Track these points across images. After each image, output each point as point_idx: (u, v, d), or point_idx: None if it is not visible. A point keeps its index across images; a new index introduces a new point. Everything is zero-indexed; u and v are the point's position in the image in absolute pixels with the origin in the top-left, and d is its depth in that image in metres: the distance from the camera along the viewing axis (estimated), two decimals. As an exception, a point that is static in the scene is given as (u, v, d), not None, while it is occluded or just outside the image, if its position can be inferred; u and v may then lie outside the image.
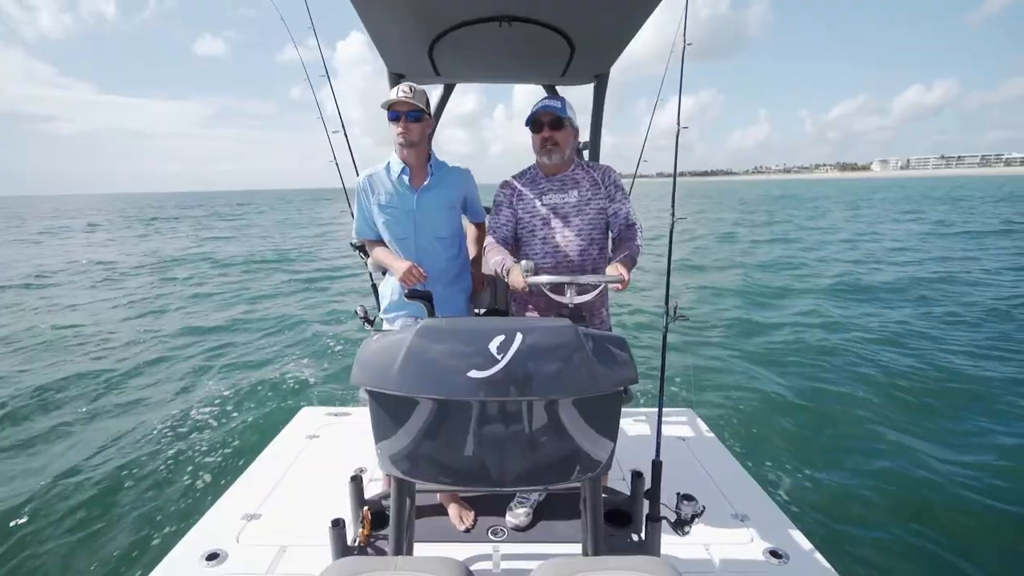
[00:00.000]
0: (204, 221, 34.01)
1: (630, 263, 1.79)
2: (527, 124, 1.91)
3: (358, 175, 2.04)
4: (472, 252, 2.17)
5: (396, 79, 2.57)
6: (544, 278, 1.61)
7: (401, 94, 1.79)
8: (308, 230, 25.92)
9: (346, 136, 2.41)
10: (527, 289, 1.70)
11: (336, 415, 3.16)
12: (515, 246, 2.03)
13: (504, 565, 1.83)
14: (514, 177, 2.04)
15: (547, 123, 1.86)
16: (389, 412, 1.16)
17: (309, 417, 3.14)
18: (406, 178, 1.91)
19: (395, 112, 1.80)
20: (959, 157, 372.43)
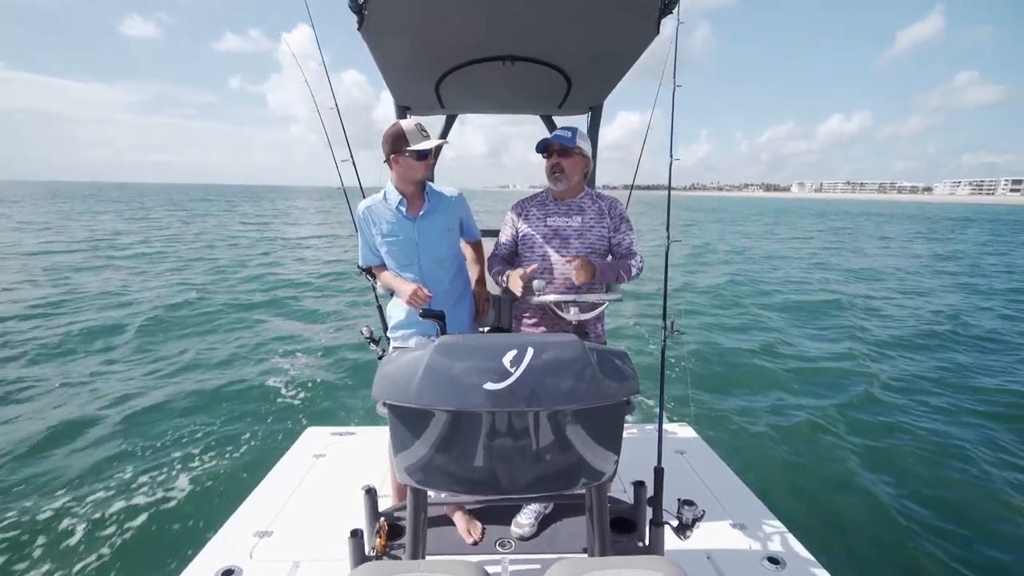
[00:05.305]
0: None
1: (608, 267, 1.99)
2: (538, 150, 2.07)
3: (364, 196, 2.17)
4: (473, 272, 2.25)
5: (403, 111, 2.75)
6: (551, 297, 1.76)
7: (425, 139, 1.89)
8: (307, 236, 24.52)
9: (354, 163, 2.50)
10: (527, 288, 1.86)
11: (341, 434, 3.21)
12: (515, 263, 2.18)
13: (512, 569, 1.89)
14: (526, 199, 2.19)
15: (556, 151, 2.01)
16: (408, 424, 1.23)
17: (315, 437, 3.19)
18: (403, 209, 2.00)
19: (426, 152, 1.91)
20: (862, 183, 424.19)
